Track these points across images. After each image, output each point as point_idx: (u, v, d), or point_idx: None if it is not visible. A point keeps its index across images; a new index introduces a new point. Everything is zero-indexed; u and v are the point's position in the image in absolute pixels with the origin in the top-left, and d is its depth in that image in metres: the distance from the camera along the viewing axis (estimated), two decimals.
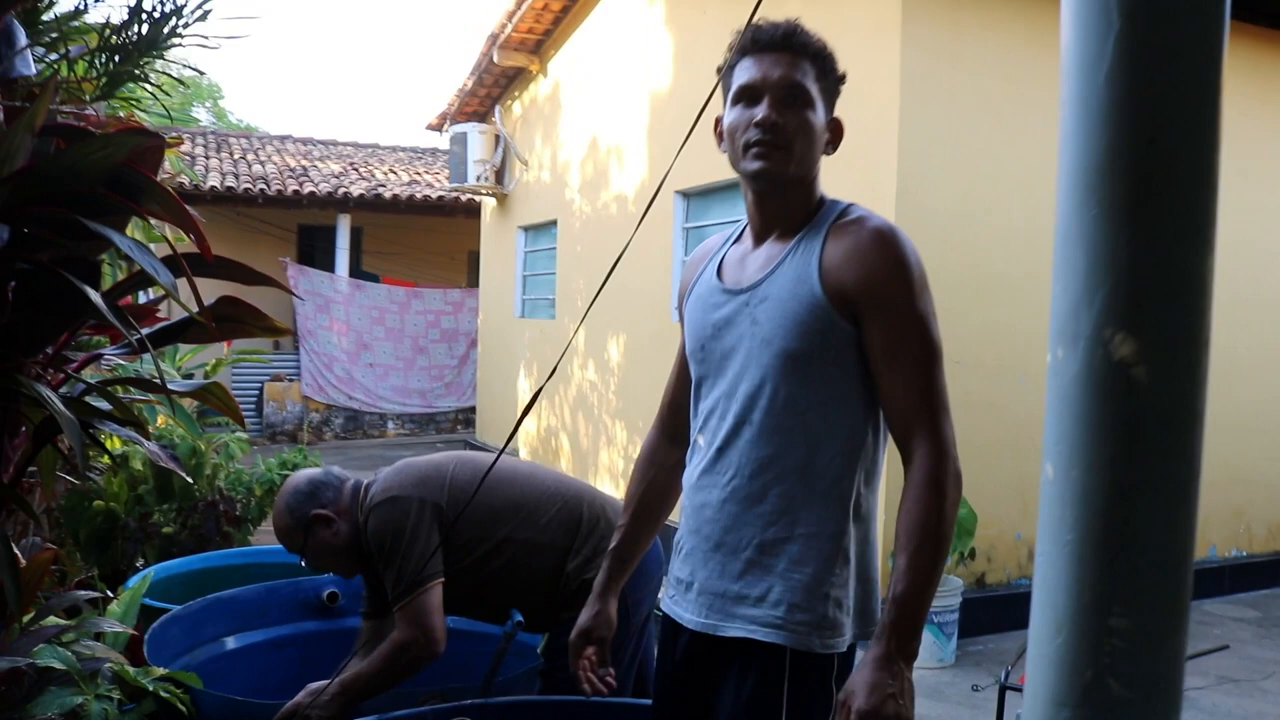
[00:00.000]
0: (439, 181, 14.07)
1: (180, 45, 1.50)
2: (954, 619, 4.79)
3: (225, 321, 1.75)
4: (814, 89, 1.68)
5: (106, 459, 4.87)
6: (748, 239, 1.81)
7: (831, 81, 1.73)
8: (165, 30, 1.48)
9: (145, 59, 1.51)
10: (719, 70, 1.77)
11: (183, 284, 1.49)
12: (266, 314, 1.76)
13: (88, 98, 1.57)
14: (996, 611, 5.25)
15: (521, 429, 9.89)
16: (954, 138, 5.21)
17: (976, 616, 5.11)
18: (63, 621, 2.55)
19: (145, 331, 1.59)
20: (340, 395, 12.88)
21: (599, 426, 8.24)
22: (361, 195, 12.76)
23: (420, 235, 14.27)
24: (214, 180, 12.24)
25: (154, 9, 1.49)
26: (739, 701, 1.65)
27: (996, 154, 5.31)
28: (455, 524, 2.56)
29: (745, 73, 1.70)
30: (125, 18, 1.49)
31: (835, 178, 5.44)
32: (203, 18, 1.49)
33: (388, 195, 12.96)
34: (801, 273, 1.65)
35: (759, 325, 1.67)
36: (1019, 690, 3.25)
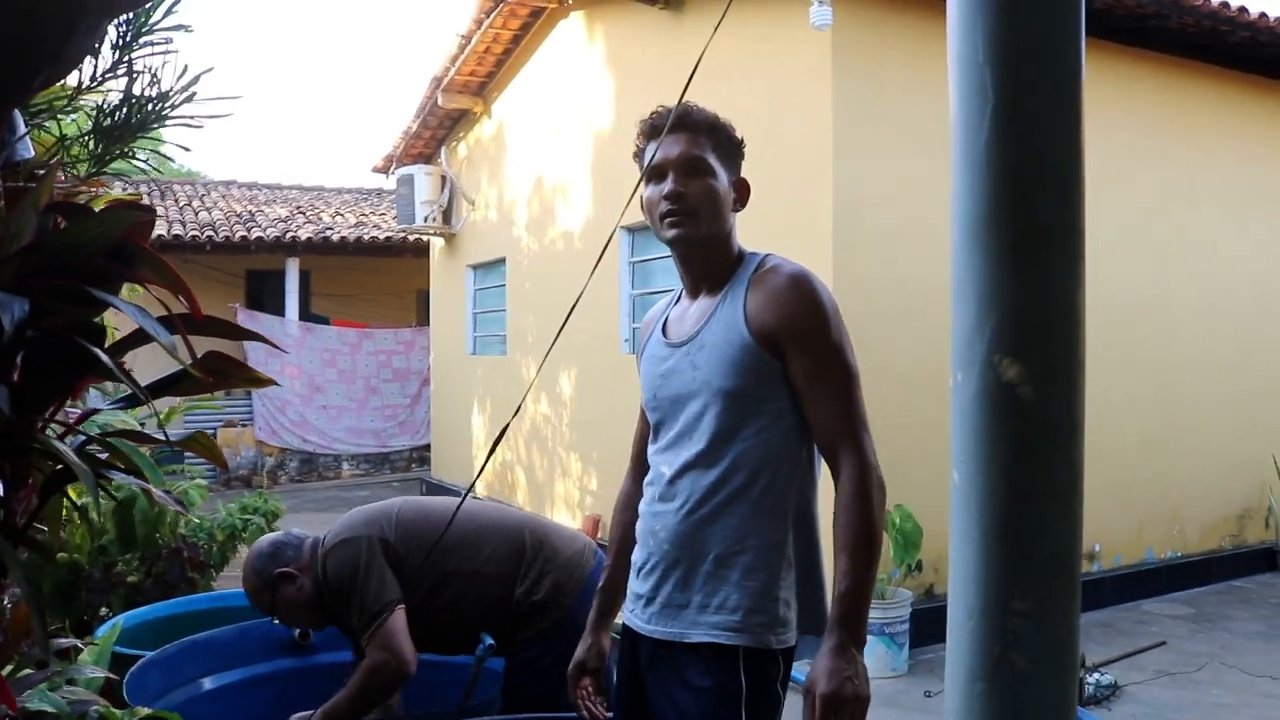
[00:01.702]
0: (385, 223, 14.15)
1: (167, 126, 1.65)
2: (905, 629, 4.98)
3: (212, 374, 1.88)
4: (712, 158, 1.91)
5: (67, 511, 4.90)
6: (685, 298, 2.04)
7: (729, 148, 1.96)
8: (153, 113, 1.62)
9: (133, 140, 1.66)
10: (634, 156, 2.01)
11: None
12: (250, 366, 1.89)
13: (79, 174, 1.70)
14: (945, 621, 5.43)
15: (477, 464, 9.98)
16: (886, 164, 5.45)
17: (926, 626, 5.29)
18: (42, 670, 2.64)
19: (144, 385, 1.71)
20: (294, 438, 12.87)
21: (554, 459, 8.36)
22: (310, 239, 12.81)
23: (369, 276, 14.32)
24: (160, 229, 12.23)
25: (142, 94, 1.64)
26: (705, 697, 1.81)
27: (927, 181, 5.55)
28: (405, 558, 2.74)
29: (653, 153, 1.93)
30: (116, 102, 1.64)
31: (776, 207, 5.68)
32: (189, 99, 1.63)
33: (336, 238, 13.02)
34: (730, 320, 1.88)
35: (699, 370, 1.89)
36: None
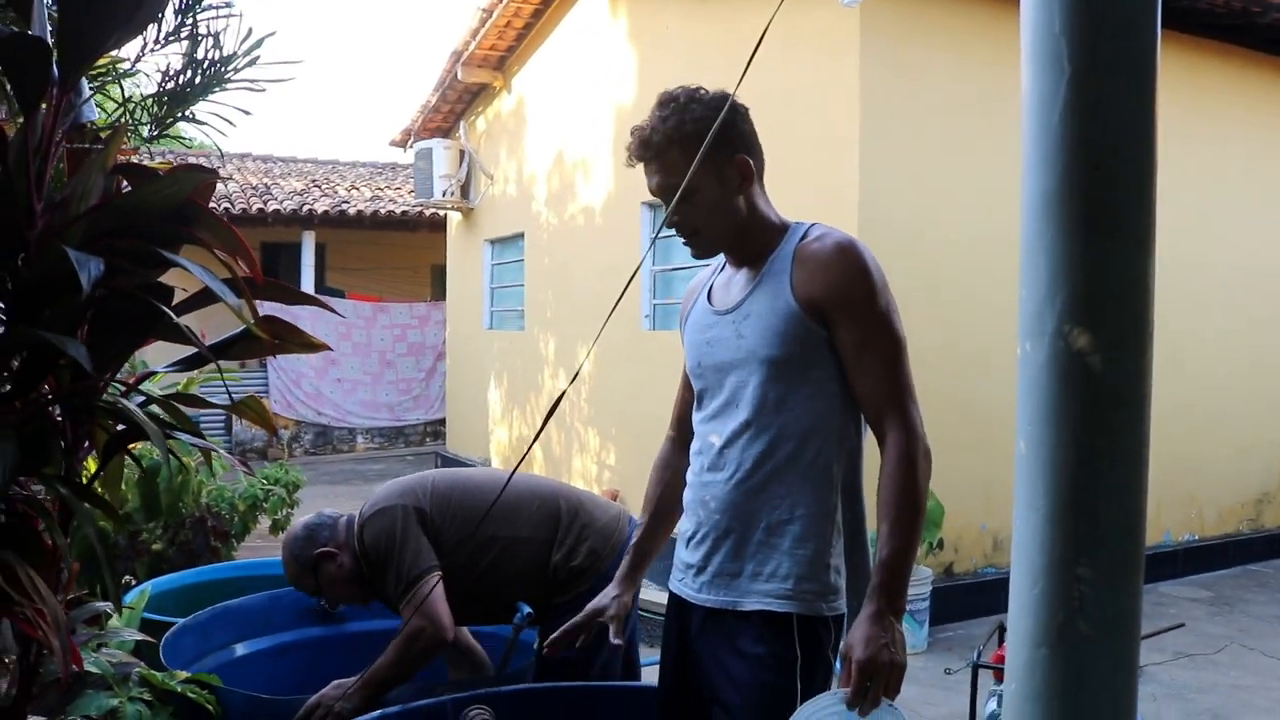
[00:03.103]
0: (401, 197, 14.15)
1: (229, 90, 1.66)
2: (925, 607, 5.00)
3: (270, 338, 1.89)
4: (689, 171, 1.82)
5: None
6: (730, 266, 2.04)
7: (710, 144, 1.81)
8: (216, 76, 1.63)
9: (196, 102, 1.67)
10: None
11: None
12: (304, 330, 1.91)
13: (143, 137, 1.71)
14: (965, 599, 5.48)
15: (493, 438, 10.02)
16: (912, 150, 5.44)
17: (946, 604, 5.32)
18: (92, 630, 2.68)
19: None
20: (309, 411, 12.92)
21: (571, 434, 8.39)
22: (326, 212, 12.81)
23: (384, 250, 14.33)
24: None
25: (204, 58, 1.65)
26: (758, 664, 1.84)
27: (953, 165, 5.55)
28: (441, 527, 2.77)
29: (646, 180, 1.95)
30: (180, 65, 1.65)
31: (801, 190, 5.67)
32: (252, 63, 1.64)
33: (352, 211, 13.03)
34: (776, 289, 1.88)
35: (745, 339, 1.90)
36: (990, 668, 3.45)
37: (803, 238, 1.91)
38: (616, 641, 2.12)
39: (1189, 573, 6.51)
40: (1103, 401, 1.20)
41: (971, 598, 5.50)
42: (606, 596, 2.18)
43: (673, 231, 1.94)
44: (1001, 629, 3.72)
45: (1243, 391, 6.92)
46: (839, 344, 1.84)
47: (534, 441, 1.76)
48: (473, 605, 2.84)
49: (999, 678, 3.39)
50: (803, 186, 5.59)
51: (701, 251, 1.97)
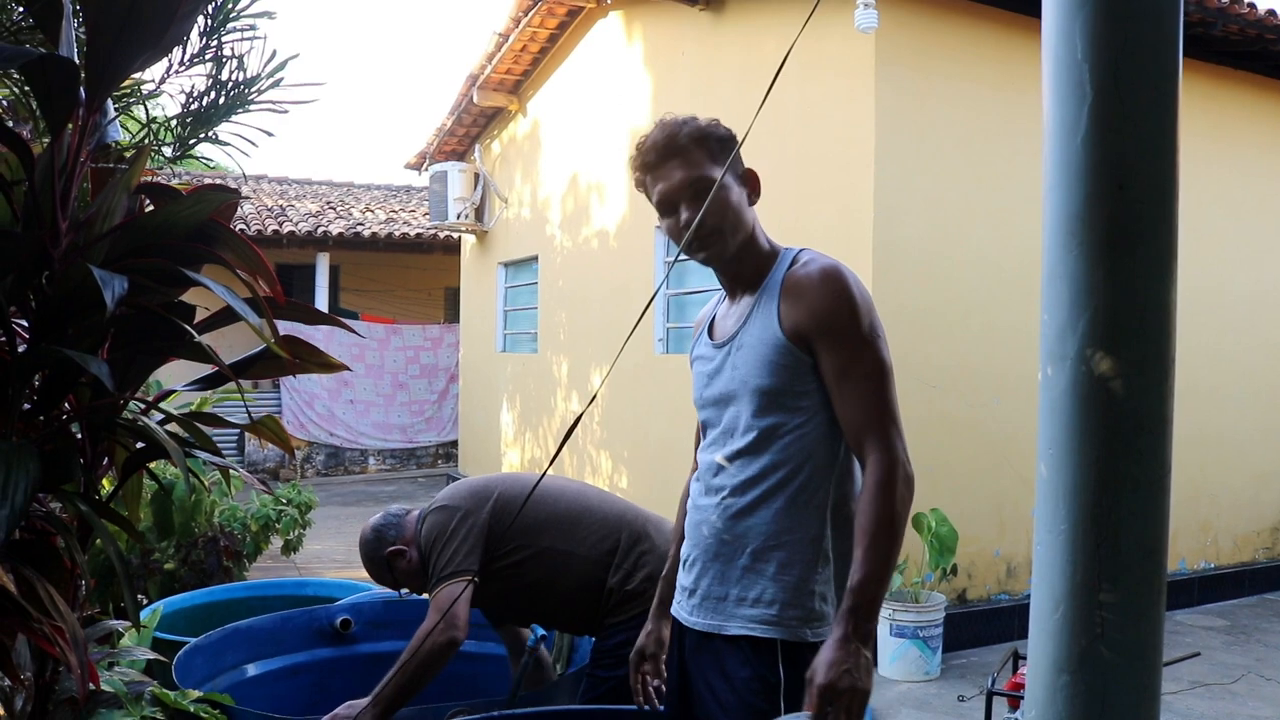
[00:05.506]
0: (415, 219, 14.22)
1: (252, 111, 1.68)
2: (938, 634, 4.96)
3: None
4: (713, 170, 1.87)
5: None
6: (728, 299, 2.05)
7: (724, 148, 1.90)
8: (240, 97, 1.65)
9: (220, 124, 1.69)
10: (637, 187, 1.99)
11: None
12: (323, 350, 1.92)
13: (165, 157, 1.73)
14: (978, 626, 5.44)
15: (505, 461, 10.02)
16: (927, 173, 5.45)
17: (959, 631, 5.29)
18: (105, 648, 2.68)
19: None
20: (321, 432, 12.94)
21: (584, 457, 8.39)
22: (341, 234, 12.88)
23: (398, 272, 14.39)
24: None
25: (228, 80, 1.67)
26: (743, 688, 1.84)
27: (968, 188, 5.55)
28: (498, 531, 2.82)
29: (655, 188, 1.91)
30: (204, 87, 1.67)
31: (818, 212, 5.67)
32: (275, 85, 1.66)
33: (367, 233, 13.09)
34: (765, 320, 1.89)
35: (738, 370, 1.91)
36: (1005, 695, 3.42)
37: (792, 263, 1.92)
38: (655, 683, 2.14)
39: (1205, 601, 6.45)
40: (1125, 426, 1.20)
41: (985, 624, 5.46)
42: (643, 635, 2.20)
43: (690, 233, 1.88)
44: (1015, 655, 3.69)
45: (1258, 419, 6.88)
46: (823, 371, 1.83)
47: (549, 466, 1.76)
48: (516, 609, 2.90)
49: (1013, 705, 3.37)
50: (819, 208, 5.61)
51: (715, 251, 1.91)
